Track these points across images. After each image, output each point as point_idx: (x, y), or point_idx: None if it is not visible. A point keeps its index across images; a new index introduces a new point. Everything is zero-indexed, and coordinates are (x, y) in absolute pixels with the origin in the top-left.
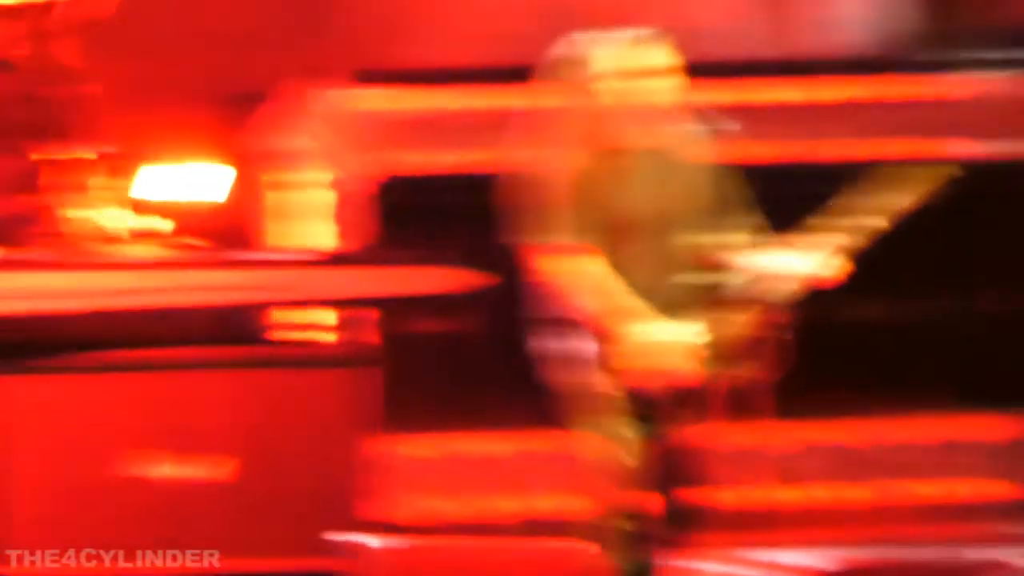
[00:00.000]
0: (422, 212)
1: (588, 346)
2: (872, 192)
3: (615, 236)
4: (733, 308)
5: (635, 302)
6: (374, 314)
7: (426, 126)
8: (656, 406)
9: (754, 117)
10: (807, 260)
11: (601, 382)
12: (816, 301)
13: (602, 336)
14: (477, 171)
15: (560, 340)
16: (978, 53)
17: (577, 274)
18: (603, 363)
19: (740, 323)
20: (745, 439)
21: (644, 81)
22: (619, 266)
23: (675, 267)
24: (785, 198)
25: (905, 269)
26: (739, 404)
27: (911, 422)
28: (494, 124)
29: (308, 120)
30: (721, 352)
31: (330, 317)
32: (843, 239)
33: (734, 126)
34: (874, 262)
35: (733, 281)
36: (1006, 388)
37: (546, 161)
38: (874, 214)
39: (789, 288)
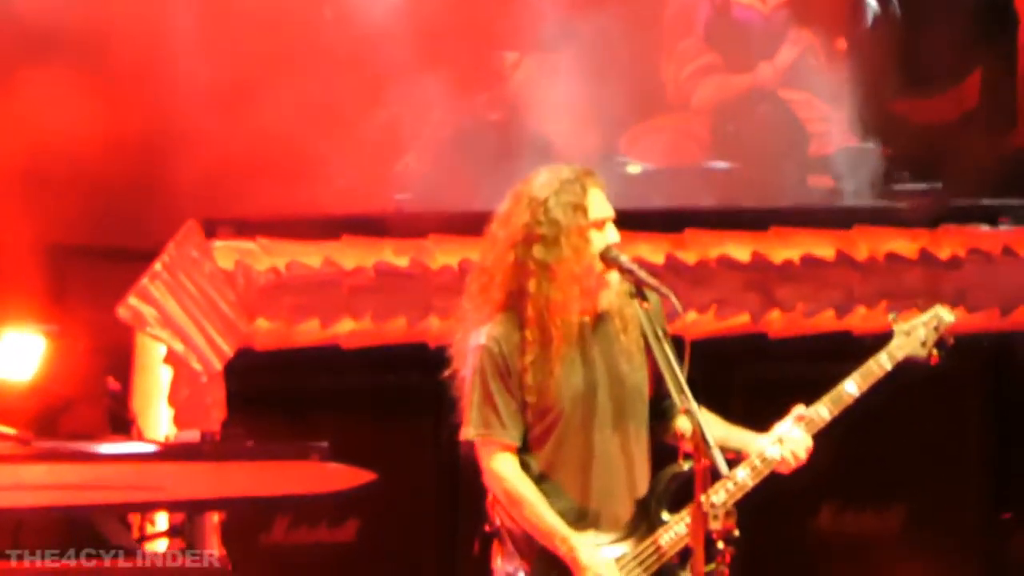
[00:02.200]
0: (282, 394)
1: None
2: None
3: (543, 426)
4: (680, 517)
5: (554, 519)
6: (220, 519)
7: (290, 288)
8: None
9: (698, 278)
10: (775, 446)
11: None
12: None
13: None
14: (352, 344)
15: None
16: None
17: (498, 478)
18: None
19: (682, 534)
20: None
21: (605, 232)
22: (547, 464)
23: (613, 464)
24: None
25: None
26: None
27: None
28: (378, 286)
29: (146, 279)
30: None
31: (166, 522)
32: (814, 417)
33: (673, 295)
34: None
35: (679, 477)
36: None
37: (467, 333)
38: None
39: (750, 478)
